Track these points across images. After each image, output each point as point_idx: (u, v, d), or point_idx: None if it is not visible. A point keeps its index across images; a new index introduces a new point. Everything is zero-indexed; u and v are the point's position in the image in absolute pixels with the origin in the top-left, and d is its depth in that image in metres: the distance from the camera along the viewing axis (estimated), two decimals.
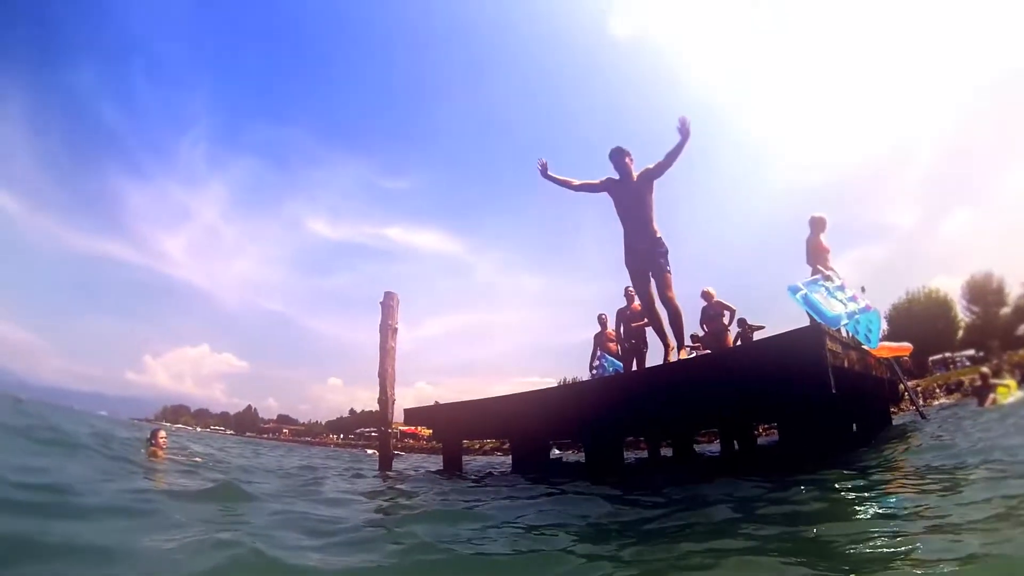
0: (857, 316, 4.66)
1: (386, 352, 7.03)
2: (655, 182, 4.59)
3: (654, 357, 7.11)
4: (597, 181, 4.76)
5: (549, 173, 4.83)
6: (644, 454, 8.24)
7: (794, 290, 4.61)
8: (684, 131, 4.26)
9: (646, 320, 7.23)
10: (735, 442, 6.73)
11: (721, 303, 7.32)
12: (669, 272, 4.55)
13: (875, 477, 3.18)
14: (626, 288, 7.34)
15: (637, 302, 7.34)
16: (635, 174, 4.63)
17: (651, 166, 4.55)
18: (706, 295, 7.42)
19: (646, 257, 4.63)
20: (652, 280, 4.64)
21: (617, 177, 4.69)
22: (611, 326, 7.85)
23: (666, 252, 4.58)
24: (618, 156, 4.64)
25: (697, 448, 8.01)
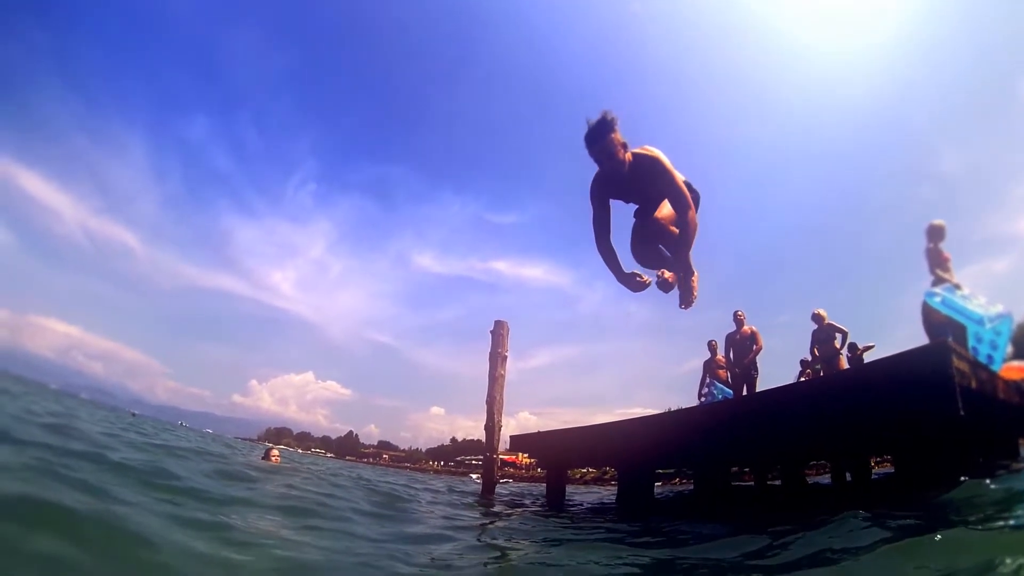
0: (997, 320, 4.57)
1: (495, 379, 7.47)
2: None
3: (766, 383, 7.12)
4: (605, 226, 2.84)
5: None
6: (751, 483, 8.07)
7: (931, 295, 4.85)
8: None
9: (756, 348, 7.30)
10: (847, 473, 6.51)
11: (833, 325, 7.19)
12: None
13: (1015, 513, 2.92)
14: (735, 312, 7.48)
15: (747, 326, 7.47)
16: (627, 154, 2.61)
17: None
18: (817, 317, 7.27)
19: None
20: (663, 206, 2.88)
21: (601, 170, 2.67)
22: (720, 352, 7.85)
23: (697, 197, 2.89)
24: (599, 130, 2.50)
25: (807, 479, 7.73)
